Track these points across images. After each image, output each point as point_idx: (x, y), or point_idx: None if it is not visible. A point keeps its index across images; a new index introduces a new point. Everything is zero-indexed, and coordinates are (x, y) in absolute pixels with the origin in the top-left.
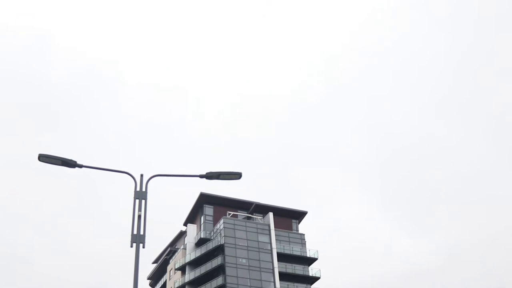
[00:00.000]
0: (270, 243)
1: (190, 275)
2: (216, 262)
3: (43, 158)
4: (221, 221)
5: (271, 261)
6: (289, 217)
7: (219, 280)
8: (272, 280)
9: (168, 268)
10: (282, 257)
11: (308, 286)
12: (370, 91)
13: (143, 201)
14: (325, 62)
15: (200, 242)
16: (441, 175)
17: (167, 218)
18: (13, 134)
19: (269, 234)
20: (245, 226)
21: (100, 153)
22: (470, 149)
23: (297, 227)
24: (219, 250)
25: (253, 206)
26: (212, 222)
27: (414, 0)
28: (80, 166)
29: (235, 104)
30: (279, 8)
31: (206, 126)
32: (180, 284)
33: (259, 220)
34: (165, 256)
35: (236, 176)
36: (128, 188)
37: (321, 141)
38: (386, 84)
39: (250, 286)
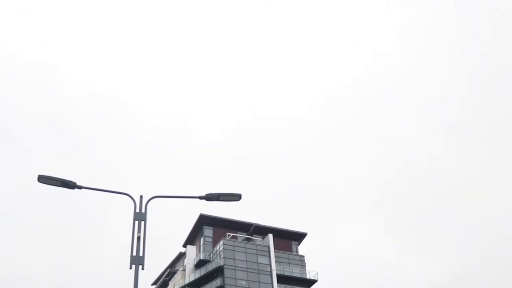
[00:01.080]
0: (270, 265)
1: None
2: (215, 284)
3: (43, 179)
4: (221, 243)
5: (270, 283)
6: (289, 239)
7: None
8: None
9: None
10: (281, 279)
11: None
12: (375, 117)
13: (142, 222)
14: (331, 89)
15: (199, 264)
16: (445, 199)
17: (167, 239)
18: (13, 155)
19: (269, 256)
20: (245, 247)
21: (100, 175)
22: (475, 175)
23: (297, 249)
24: (218, 271)
25: (252, 227)
26: (211, 243)
27: (424, 30)
28: (80, 187)
29: (236, 126)
30: (286, 37)
31: (206, 147)
32: None
33: (259, 241)
34: (164, 277)
35: (236, 197)
36: (127, 209)
37: (323, 163)
38: (391, 111)
39: None
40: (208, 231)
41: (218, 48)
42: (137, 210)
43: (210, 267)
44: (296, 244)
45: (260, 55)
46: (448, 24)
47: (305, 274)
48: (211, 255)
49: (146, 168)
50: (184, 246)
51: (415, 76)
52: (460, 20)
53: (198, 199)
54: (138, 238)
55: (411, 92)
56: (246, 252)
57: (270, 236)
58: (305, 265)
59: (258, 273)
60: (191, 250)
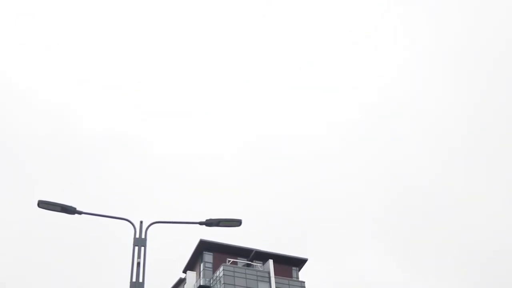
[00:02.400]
0: None
1: None
2: None
3: (43, 204)
4: (221, 268)
5: None
6: (289, 264)
7: None
8: None
9: None
10: None
11: None
12: (378, 141)
13: (142, 248)
14: (342, 117)
15: None
16: (456, 227)
17: (167, 265)
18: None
19: (269, 282)
20: (245, 273)
21: (103, 200)
22: (487, 202)
23: (297, 275)
24: None
25: (253, 253)
26: (211, 269)
27: (431, 58)
28: (80, 212)
29: (235, 151)
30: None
31: (206, 171)
32: None
33: (259, 267)
34: None
35: (236, 223)
36: (127, 235)
37: (324, 187)
38: (395, 134)
39: None
40: (208, 257)
41: (216, 83)
42: (137, 236)
43: None
44: (296, 270)
45: (259, 71)
46: (452, 52)
47: None
48: (211, 281)
49: (147, 192)
50: (184, 271)
51: (420, 100)
52: (466, 43)
53: (198, 225)
54: (138, 264)
55: (417, 116)
56: (246, 278)
57: (271, 261)
58: None
59: None
60: (191, 276)
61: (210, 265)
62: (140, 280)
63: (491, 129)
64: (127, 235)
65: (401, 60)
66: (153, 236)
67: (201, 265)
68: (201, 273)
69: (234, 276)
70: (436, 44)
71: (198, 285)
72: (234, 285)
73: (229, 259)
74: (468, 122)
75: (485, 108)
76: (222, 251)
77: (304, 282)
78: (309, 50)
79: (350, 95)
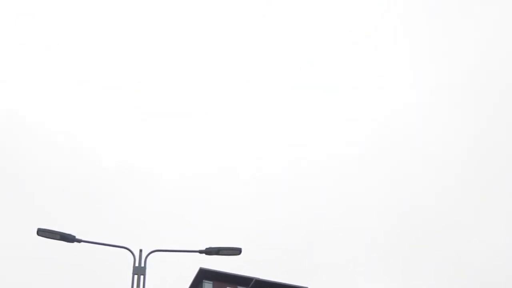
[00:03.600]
0: None
1: None
2: None
3: (42, 232)
4: None
5: None
6: None
7: None
8: None
9: None
10: None
11: None
12: (377, 167)
13: (141, 277)
14: (345, 143)
15: None
16: (456, 249)
17: None
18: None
19: None
20: None
21: (99, 228)
22: (486, 226)
23: None
24: None
25: (253, 281)
26: None
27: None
28: (79, 241)
29: (233, 175)
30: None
31: (206, 198)
32: None
33: None
34: None
35: (236, 251)
36: (128, 263)
37: (325, 212)
38: (395, 161)
39: None
40: (208, 285)
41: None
42: (137, 264)
43: None
44: None
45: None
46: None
47: None
48: None
49: (147, 221)
50: None
51: (421, 127)
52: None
53: (198, 253)
54: None
55: (417, 143)
56: None
57: None
58: None
59: None
60: None
61: None
62: None
63: (494, 156)
64: (128, 263)
65: (406, 87)
66: (153, 265)
67: None
68: None
69: None
70: (440, 75)
71: None
72: None
73: None
74: (474, 144)
75: (488, 135)
76: (222, 280)
77: None
78: (309, 50)
79: (352, 136)
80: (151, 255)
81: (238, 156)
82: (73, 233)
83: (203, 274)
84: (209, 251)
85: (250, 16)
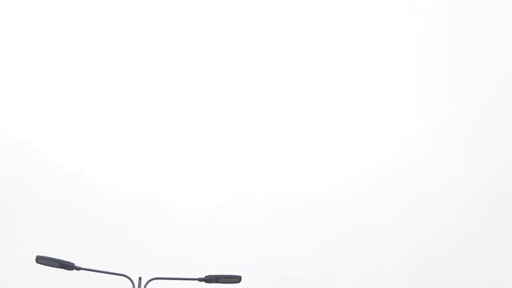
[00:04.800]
0: None
1: None
2: None
3: (41, 260)
4: None
5: None
6: None
7: None
8: None
9: None
10: None
11: None
12: (374, 198)
13: None
14: (334, 162)
15: None
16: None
17: None
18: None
19: None
20: None
21: (99, 255)
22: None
23: None
24: None
25: None
26: None
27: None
28: (78, 268)
29: (236, 204)
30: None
31: (206, 224)
32: None
33: None
34: None
35: (236, 280)
36: None
37: (330, 239)
38: (393, 189)
39: None
40: None
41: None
42: None
43: None
44: None
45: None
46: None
47: None
48: None
49: (147, 248)
50: None
51: (422, 160)
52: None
53: (197, 281)
54: None
55: (414, 176)
56: None
57: None
58: None
59: None
60: None
61: None
62: None
63: (498, 184)
64: None
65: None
66: None
67: None
68: None
69: None
70: (441, 75)
71: None
72: None
73: None
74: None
75: (494, 161)
76: None
77: None
78: (309, 50)
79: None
80: (150, 282)
81: (239, 181)
82: (72, 261)
83: None
84: (209, 279)
85: (250, 16)
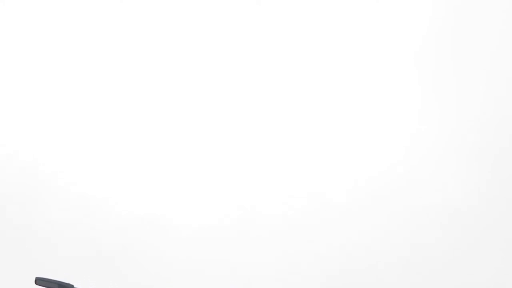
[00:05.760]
0: None
1: None
2: None
3: (40, 281)
4: None
5: None
6: None
7: None
8: None
9: None
10: None
11: None
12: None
13: None
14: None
15: None
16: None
17: None
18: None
19: None
20: None
21: (99, 278)
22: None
23: None
24: None
25: None
26: None
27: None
28: None
29: (241, 223)
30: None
31: (212, 244)
32: None
33: None
34: None
35: None
36: None
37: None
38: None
39: None
40: None
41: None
42: None
43: None
44: None
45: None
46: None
47: None
48: None
49: (150, 270)
50: None
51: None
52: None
53: None
54: None
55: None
56: None
57: None
58: None
59: None
60: None
61: None
62: None
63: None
64: None
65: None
66: None
67: None
68: None
69: None
70: (445, 73)
71: None
72: None
73: None
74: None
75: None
76: None
77: None
78: (309, 50)
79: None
80: None
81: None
82: (71, 282)
83: None
84: None
85: (249, 15)
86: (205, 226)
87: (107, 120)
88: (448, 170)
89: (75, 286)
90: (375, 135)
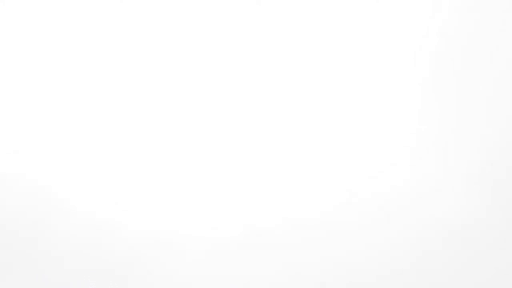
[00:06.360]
0: None
1: None
2: None
3: None
4: None
5: None
6: None
7: None
8: None
9: None
10: None
11: None
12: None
13: None
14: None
15: None
16: None
17: None
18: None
19: None
20: None
21: None
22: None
23: None
24: None
25: None
26: None
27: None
28: None
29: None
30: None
31: (220, 259)
32: None
33: None
34: None
35: None
36: None
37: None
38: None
39: None
40: None
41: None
42: None
43: None
44: None
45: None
46: None
47: None
48: None
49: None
50: None
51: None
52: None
53: None
54: None
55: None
56: None
57: None
58: None
59: None
60: None
61: None
62: None
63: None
64: None
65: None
66: None
67: None
68: None
69: None
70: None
71: None
72: None
73: None
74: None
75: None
76: None
77: None
78: (309, 50)
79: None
80: None
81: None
82: None
83: None
84: None
85: (249, 15)
86: (216, 243)
87: (117, 134)
88: (452, 184)
89: None
90: (378, 146)
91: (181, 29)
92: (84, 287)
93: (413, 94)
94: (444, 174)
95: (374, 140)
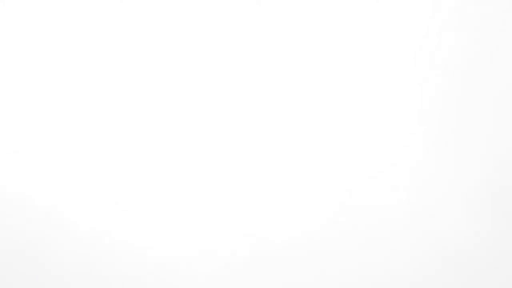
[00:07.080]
0: None
1: None
2: None
3: None
4: None
5: None
6: None
7: None
8: None
9: None
10: None
11: None
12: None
13: None
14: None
15: None
16: None
17: None
18: None
19: None
20: None
21: None
22: None
23: None
24: None
25: None
26: None
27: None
28: None
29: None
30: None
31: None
32: None
33: None
34: None
35: None
36: None
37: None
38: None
39: None
40: None
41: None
42: None
43: None
44: None
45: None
46: None
47: None
48: None
49: None
50: None
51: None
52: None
53: None
54: None
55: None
56: None
57: None
58: None
59: None
60: None
61: None
62: None
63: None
64: None
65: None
66: None
67: None
68: None
69: None
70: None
71: None
72: None
73: None
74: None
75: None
76: None
77: None
78: (308, 50)
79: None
80: None
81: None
82: None
83: None
84: None
85: (249, 15)
86: (218, 256)
87: (117, 140)
88: (452, 184)
89: None
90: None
91: (181, 29)
92: None
93: (413, 94)
94: (444, 174)
95: (374, 140)
